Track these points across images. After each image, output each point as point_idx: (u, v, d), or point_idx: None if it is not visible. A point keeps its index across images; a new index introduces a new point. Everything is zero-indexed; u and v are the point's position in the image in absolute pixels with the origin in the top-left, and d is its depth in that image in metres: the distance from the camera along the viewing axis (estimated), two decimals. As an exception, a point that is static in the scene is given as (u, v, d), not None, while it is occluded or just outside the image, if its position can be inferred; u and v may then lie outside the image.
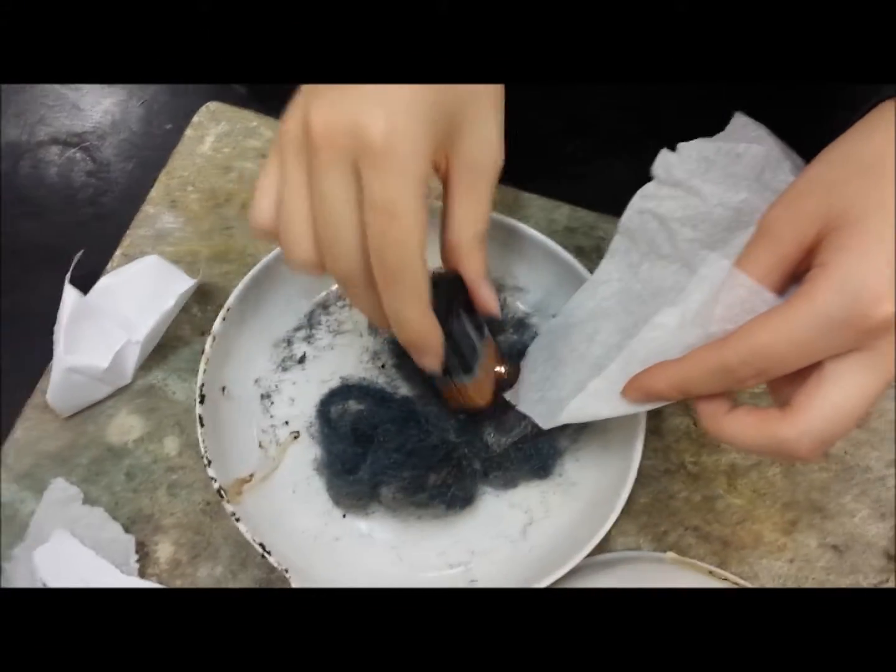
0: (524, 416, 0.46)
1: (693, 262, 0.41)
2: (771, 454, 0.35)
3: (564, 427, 0.46)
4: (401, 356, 0.50)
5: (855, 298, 0.31)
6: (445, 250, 0.40)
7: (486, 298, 0.42)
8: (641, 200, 0.45)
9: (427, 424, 0.46)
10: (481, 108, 0.37)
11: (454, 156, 0.37)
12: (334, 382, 0.51)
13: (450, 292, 0.41)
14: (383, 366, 0.51)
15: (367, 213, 0.34)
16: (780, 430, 0.33)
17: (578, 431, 0.49)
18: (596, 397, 0.40)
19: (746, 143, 0.42)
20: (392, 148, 0.32)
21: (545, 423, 0.44)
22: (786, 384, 0.34)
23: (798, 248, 0.34)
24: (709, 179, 0.42)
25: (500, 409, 0.47)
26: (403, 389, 0.50)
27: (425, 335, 0.38)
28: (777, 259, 0.34)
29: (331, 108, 0.33)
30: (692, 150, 0.44)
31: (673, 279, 0.42)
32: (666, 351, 0.37)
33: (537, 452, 0.48)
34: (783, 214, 0.34)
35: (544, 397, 0.45)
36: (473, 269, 0.40)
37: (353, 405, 0.49)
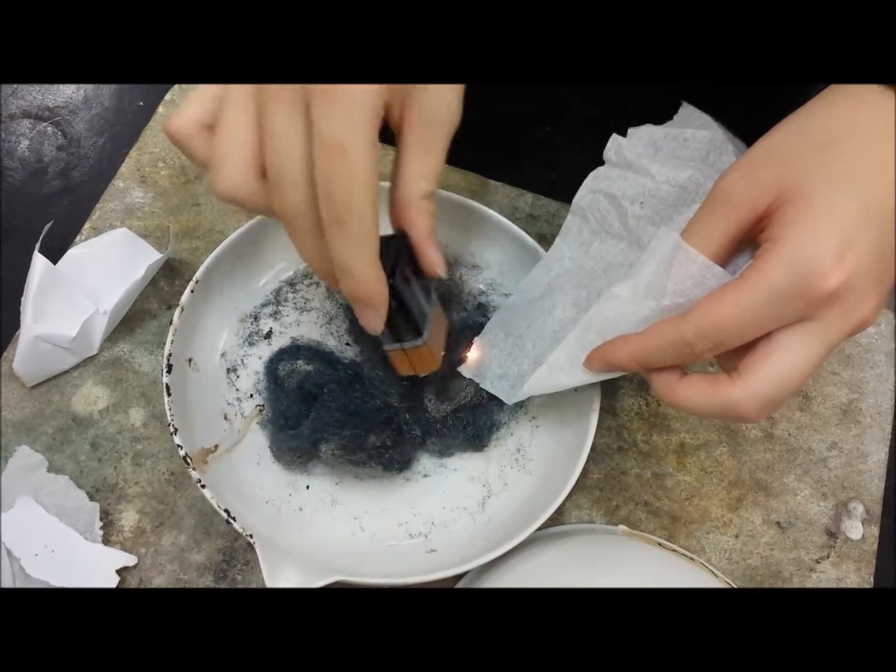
0: (465, 386, 0.48)
1: (641, 240, 0.43)
2: (720, 416, 0.36)
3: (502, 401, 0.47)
4: (354, 321, 0.51)
5: (804, 272, 0.32)
6: (394, 207, 0.39)
7: (433, 259, 0.40)
8: (594, 181, 0.47)
9: (371, 388, 0.47)
10: None
11: (410, 108, 0.37)
12: (286, 343, 0.52)
13: (397, 253, 0.39)
14: (348, 344, 0.52)
15: (315, 150, 0.33)
16: (730, 393, 0.35)
17: (518, 406, 0.51)
18: (556, 369, 0.42)
19: (693, 129, 0.45)
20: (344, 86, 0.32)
21: (509, 399, 0.46)
22: (734, 354, 0.35)
23: (751, 216, 0.35)
24: (657, 160, 0.44)
25: (443, 377, 0.49)
26: (352, 353, 0.52)
27: (370, 286, 0.36)
28: (729, 227, 0.35)
29: None
30: (642, 134, 0.46)
31: (622, 256, 0.44)
32: (620, 321, 0.39)
33: (474, 422, 0.50)
34: (739, 182, 0.35)
35: (506, 373, 0.46)
36: (421, 227, 0.39)
37: (302, 365, 0.50)
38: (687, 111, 0.46)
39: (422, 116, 0.37)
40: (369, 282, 0.36)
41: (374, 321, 0.38)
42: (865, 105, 0.35)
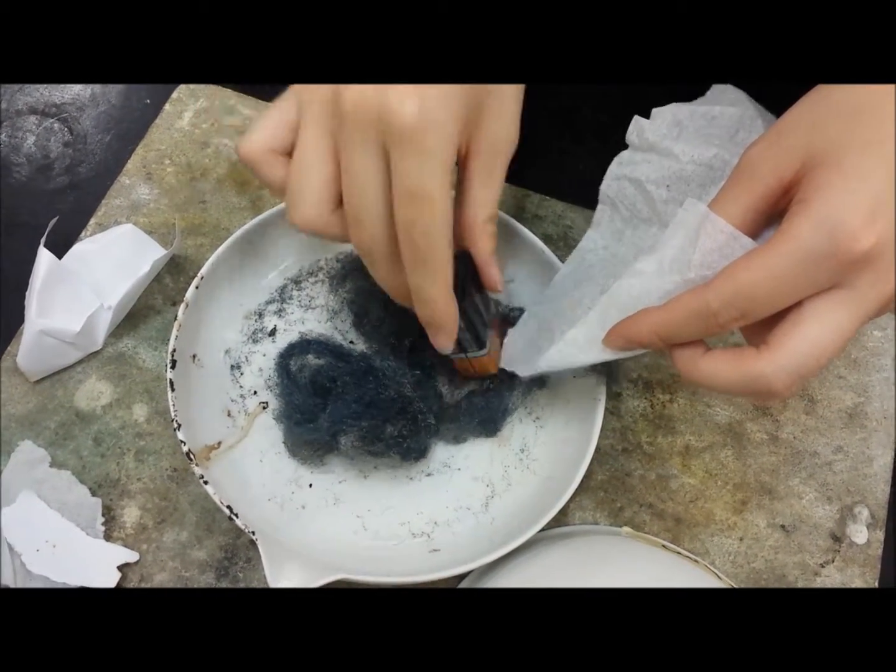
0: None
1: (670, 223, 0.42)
2: (746, 392, 0.35)
3: (514, 386, 0.47)
4: (360, 315, 0.51)
5: (834, 233, 0.31)
6: (459, 230, 0.41)
7: (495, 277, 0.43)
8: (618, 167, 0.46)
9: (384, 378, 0.47)
10: (504, 94, 0.39)
11: (475, 140, 0.38)
12: (294, 338, 0.52)
13: (461, 270, 0.42)
14: (352, 342, 0.52)
15: (396, 196, 0.35)
16: (756, 366, 0.33)
17: (529, 392, 0.51)
18: (574, 345, 0.41)
19: (722, 105, 0.43)
20: (423, 134, 0.33)
21: (524, 372, 0.45)
22: (762, 328, 0.34)
23: (778, 185, 0.34)
24: (681, 140, 0.43)
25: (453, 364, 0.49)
26: (361, 346, 0.52)
27: (446, 315, 0.40)
28: (755, 197, 0.34)
29: (364, 86, 0.34)
30: (666, 114, 0.45)
31: (653, 241, 0.43)
32: (643, 297, 0.37)
33: (487, 406, 0.50)
34: (764, 152, 0.34)
35: (528, 357, 0.45)
36: (485, 248, 0.42)
37: (313, 359, 0.50)
38: (720, 87, 0.45)
39: (487, 147, 0.39)
40: (444, 310, 0.40)
41: (446, 342, 0.42)
42: None
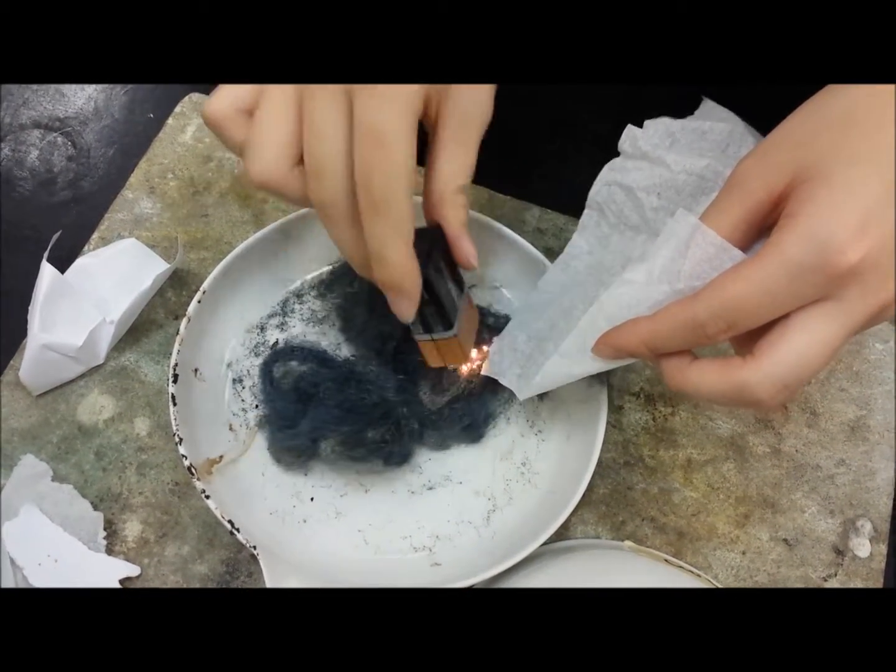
0: (459, 377, 0.48)
1: (660, 231, 0.43)
2: (733, 402, 0.35)
3: (498, 391, 0.47)
4: (346, 319, 0.52)
5: (822, 247, 0.31)
6: (428, 201, 0.40)
7: (467, 250, 0.41)
8: (609, 173, 0.46)
9: (367, 384, 0.47)
10: None
11: (445, 105, 0.37)
12: (279, 345, 0.52)
13: (431, 245, 0.40)
14: (353, 356, 0.52)
15: (355, 139, 0.34)
16: (741, 375, 0.33)
17: (512, 397, 0.49)
18: (567, 358, 0.41)
19: (712, 121, 0.44)
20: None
21: (521, 394, 0.45)
22: (750, 339, 0.34)
23: (767, 199, 0.34)
24: (673, 150, 0.44)
25: (437, 370, 0.48)
26: (346, 352, 0.52)
27: (405, 274, 0.37)
28: (745, 210, 0.34)
29: None
30: (658, 125, 0.45)
31: (641, 249, 0.43)
32: (632, 306, 0.37)
33: (469, 412, 0.50)
34: (754, 166, 0.35)
35: (526, 373, 0.45)
36: (456, 220, 0.40)
37: (296, 366, 0.50)
38: (708, 106, 0.45)
39: (457, 113, 0.38)
40: (403, 269, 0.37)
41: (407, 309, 0.39)
42: (883, 88, 0.34)
